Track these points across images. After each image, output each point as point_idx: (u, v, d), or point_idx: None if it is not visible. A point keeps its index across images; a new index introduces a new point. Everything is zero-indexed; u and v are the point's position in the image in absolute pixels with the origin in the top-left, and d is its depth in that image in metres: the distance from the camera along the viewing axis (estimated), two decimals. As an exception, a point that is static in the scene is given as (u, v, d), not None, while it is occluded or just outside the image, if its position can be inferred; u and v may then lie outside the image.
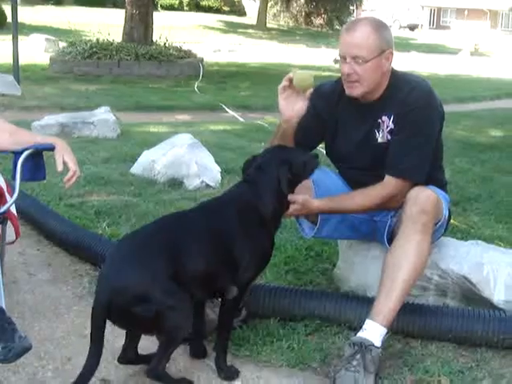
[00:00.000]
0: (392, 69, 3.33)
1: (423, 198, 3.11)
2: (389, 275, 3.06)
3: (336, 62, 3.33)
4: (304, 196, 3.16)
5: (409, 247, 3.06)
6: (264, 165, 3.03)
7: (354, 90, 3.26)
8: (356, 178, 3.45)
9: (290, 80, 3.24)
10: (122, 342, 2.97)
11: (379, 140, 3.31)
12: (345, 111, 3.42)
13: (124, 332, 2.92)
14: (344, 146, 3.44)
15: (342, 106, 3.43)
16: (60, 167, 3.05)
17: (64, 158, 3.06)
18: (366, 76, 3.20)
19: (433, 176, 3.36)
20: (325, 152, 3.63)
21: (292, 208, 3.11)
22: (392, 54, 3.25)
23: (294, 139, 3.42)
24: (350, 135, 3.41)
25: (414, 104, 3.22)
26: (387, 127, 3.28)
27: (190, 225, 2.90)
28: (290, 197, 3.07)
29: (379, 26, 3.23)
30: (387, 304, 3.01)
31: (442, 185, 3.48)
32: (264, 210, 2.98)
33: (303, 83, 3.23)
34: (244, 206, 2.97)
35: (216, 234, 2.88)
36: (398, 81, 3.33)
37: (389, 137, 3.28)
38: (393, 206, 3.31)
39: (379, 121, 3.29)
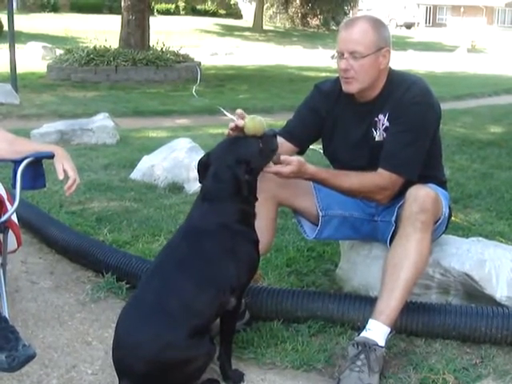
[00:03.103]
0: (389, 68, 3.34)
1: (422, 197, 3.10)
2: (390, 274, 3.06)
3: (333, 57, 3.33)
4: (299, 158, 3.12)
5: (409, 246, 3.06)
6: (219, 172, 2.90)
7: (351, 86, 3.27)
8: None
9: (238, 128, 3.06)
10: None
11: (377, 138, 3.32)
12: (343, 110, 3.43)
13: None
14: (341, 144, 3.44)
15: (340, 104, 3.44)
16: (61, 175, 3.06)
17: (64, 165, 3.07)
18: (362, 72, 3.20)
19: (432, 174, 3.37)
20: (322, 152, 3.64)
21: (288, 169, 3.03)
22: (389, 52, 3.26)
23: (291, 134, 3.49)
24: (347, 134, 3.41)
25: (409, 101, 3.22)
26: (383, 125, 3.29)
27: (183, 268, 2.80)
28: (284, 158, 3.04)
29: (377, 24, 3.24)
30: (390, 303, 3.01)
31: (441, 182, 3.48)
32: (235, 219, 2.88)
33: (254, 131, 2.98)
34: (215, 227, 2.85)
35: (207, 265, 2.80)
36: (395, 80, 3.33)
37: (385, 135, 3.29)
38: (380, 199, 3.30)
39: (376, 119, 3.30)
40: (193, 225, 2.93)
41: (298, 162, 3.06)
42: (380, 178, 3.23)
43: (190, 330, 2.64)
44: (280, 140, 3.51)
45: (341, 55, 3.22)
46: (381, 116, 3.29)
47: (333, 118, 3.45)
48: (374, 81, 3.27)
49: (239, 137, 3.02)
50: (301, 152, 3.57)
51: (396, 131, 3.24)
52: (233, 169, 2.86)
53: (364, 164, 3.34)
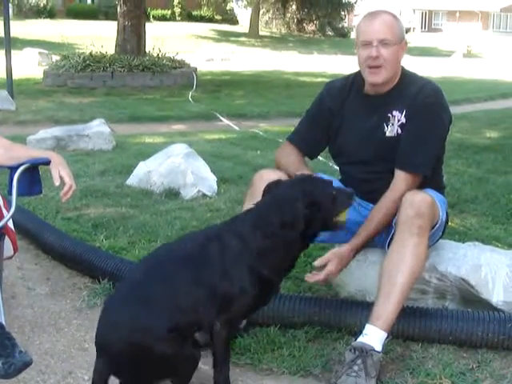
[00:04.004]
0: (403, 67, 3.43)
1: (418, 201, 3.11)
2: (387, 279, 3.06)
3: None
4: (331, 251, 3.23)
5: (406, 251, 3.06)
6: (281, 198, 2.80)
7: (377, 76, 3.31)
8: (356, 175, 3.48)
9: None
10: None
11: (387, 134, 3.35)
12: (352, 104, 3.47)
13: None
14: (348, 137, 3.47)
15: (350, 98, 3.48)
16: (57, 182, 3.06)
17: (60, 172, 3.06)
18: (391, 60, 3.28)
19: (433, 178, 3.38)
20: (328, 147, 3.66)
21: (333, 265, 3.17)
22: (407, 45, 3.37)
23: (305, 142, 3.55)
24: (355, 127, 3.44)
25: (423, 101, 3.29)
26: (398, 121, 3.32)
27: None
28: (320, 260, 3.16)
29: (397, 17, 3.37)
30: (386, 308, 3.01)
31: (440, 187, 3.49)
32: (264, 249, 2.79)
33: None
34: (238, 241, 2.78)
35: (209, 270, 2.75)
36: (407, 77, 3.41)
37: (399, 131, 3.32)
38: None
39: (389, 115, 3.33)
40: (218, 232, 2.86)
41: (332, 254, 3.20)
42: (395, 189, 3.25)
43: (171, 324, 2.60)
44: (289, 149, 3.54)
45: (368, 45, 3.27)
46: (396, 112, 3.32)
47: (342, 113, 3.48)
48: (396, 72, 3.35)
49: (317, 177, 3.08)
50: (312, 157, 3.59)
51: (411, 131, 3.28)
52: (297, 202, 2.76)
53: (369, 157, 3.37)
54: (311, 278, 3.22)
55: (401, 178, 3.26)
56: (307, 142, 3.57)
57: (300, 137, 3.60)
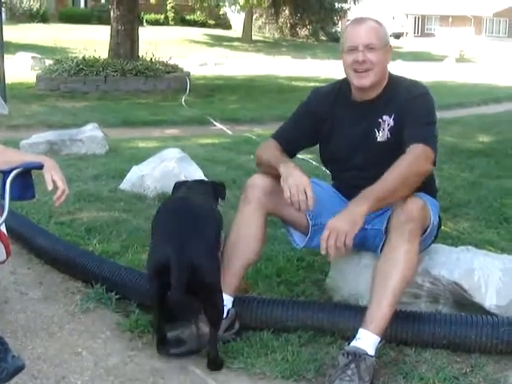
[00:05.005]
0: (389, 72, 3.47)
1: (409, 206, 3.11)
2: (379, 284, 3.07)
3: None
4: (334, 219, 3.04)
5: (397, 256, 3.07)
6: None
7: (365, 80, 3.35)
8: (348, 181, 3.49)
9: None
10: (114, 359, 2.97)
11: (379, 139, 3.37)
12: (341, 111, 3.49)
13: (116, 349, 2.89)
14: (339, 144, 3.49)
15: (338, 105, 3.50)
16: (50, 186, 3.05)
17: (53, 176, 3.06)
18: (377, 64, 3.33)
19: (426, 182, 3.38)
20: (319, 154, 3.67)
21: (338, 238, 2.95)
22: (391, 49, 3.43)
23: (282, 137, 3.57)
24: (346, 134, 3.46)
25: (412, 95, 3.34)
26: (388, 125, 3.35)
27: None
28: (323, 236, 2.97)
29: (381, 23, 3.43)
30: (379, 312, 3.02)
31: (432, 191, 3.50)
32: None
33: None
34: None
35: None
36: (395, 82, 3.46)
37: (389, 135, 3.35)
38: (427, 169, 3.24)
39: (379, 120, 3.37)
40: None
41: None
42: (414, 149, 3.17)
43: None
44: (271, 143, 3.55)
45: (355, 49, 3.32)
46: (386, 117, 3.36)
47: (331, 120, 3.50)
48: (383, 76, 3.39)
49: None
50: (290, 156, 3.59)
51: (412, 119, 3.28)
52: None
53: (361, 163, 3.40)
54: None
55: (418, 147, 3.17)
56: (287, 138, 3.59)
57: (281, 134, 3.64)
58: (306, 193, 3.13)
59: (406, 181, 3.11)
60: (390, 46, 3.43)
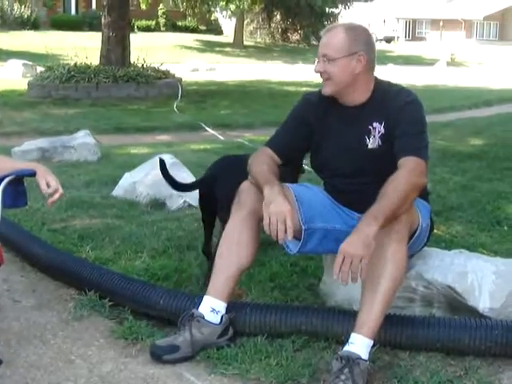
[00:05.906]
0: (376, 78, 3.44)
1: None
2: (369, 287, 3.06)
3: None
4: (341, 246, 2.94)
5: (386, 257, 3.05)
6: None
7: (324, 88, 3.40)
8: (339, 187, 3.49)
9: None
10: (108, 367, 2.96)
11: (369, 146, 3.36)
12: (332, 117, 3.48)
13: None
14: (330, 150, 3.47)
15: (329, 112, 3.49)
16: (45, 189, 3.04)
17: (46, 179, 3.05)
18: (333, 74, 3.31)
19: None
20: (310, 161, 3.67)
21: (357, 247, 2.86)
22: (365, 57, 3.32)
23: (276, 145, 3.57)
24: (336, 140, 3.45)
25: (402, 102, 3.32)
26: (379, 132, 3.34)
27: None
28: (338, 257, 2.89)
29: (352, 29, 3.36)
30: (370, 316, 3.01)
31: (423, 194, 3.49)
32: None
33: None
34: None
35: None
36: (383, 88, 3.43)
37: (380, 142, 3.34)
38: (425, 182, 3.26)
39: (370, 127, 3.35)
40: None
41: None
42: (408, 164, 3.15)
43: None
44: (263, 152, 3.55)
45: (317, 58, 3.37)
46: (376, 124, 3.34)
47: (322, 127, 3.49)
48: (350, 84, 3.35)
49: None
50: (285, 164, 3.58)
51: (403, 128, 3.26)
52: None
53: (352, 170, 3.39)
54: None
55: (410, 160, 3.16)
56: (280, 145, 3.57)
57: (274, 140, 3.63)
58: (285, 223, 3.09)
59: (407, 197, 3.09)
60: (363, 52, 3.30)
